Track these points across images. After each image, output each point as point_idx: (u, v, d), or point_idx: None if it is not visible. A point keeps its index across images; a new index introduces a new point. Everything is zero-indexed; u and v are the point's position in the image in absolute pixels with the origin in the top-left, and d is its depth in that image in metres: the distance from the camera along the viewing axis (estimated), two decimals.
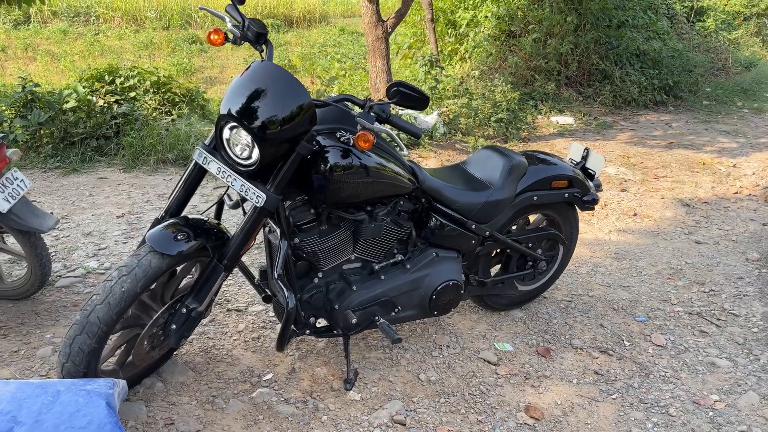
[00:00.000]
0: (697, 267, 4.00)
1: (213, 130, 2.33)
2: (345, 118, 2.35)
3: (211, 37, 2.31)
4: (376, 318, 2.57)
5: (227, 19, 2.37)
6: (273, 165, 2.21)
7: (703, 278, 3.83)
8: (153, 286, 2.27)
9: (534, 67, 8.58)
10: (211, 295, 2.33)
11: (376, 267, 2.64)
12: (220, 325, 3.02)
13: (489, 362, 2.88)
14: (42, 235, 3.04)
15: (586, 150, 3.25)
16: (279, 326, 2.97)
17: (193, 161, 2.35)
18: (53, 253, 3.66)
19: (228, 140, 2.20)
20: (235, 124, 2.14)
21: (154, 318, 2.26)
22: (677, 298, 3.58)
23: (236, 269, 2.67)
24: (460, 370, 2.81)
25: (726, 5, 13.14)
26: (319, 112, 2.28)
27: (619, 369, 2.89)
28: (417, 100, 2.17)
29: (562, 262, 3.30)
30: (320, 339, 2.90)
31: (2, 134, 2.84)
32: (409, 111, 6.11)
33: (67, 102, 5.46)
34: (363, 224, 2.49)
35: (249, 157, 2.17)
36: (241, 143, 2.17)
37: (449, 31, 9.80)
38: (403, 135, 5.68)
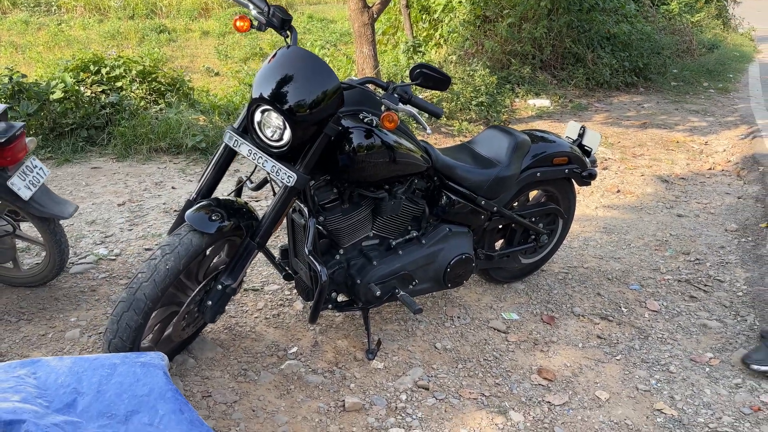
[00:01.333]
0: (681, 238, 4.23)
1: (242, 113, 2.43)
2: (367, 99, 2.47)
3: (237, 24, 2.39)
4: (396, 291, 2.70)
5: (251, 7, 2.45)
6: (300, 146, 2.32)
7: (687, 248, 4.06)
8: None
9: (510, 51, 8.76)
10: (244, 273, 2.44)
11: (393, 243, 2.77)
12: (240, 304, 3.12)
13: (499, 330, 3.05)
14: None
15: (583, 128, 3.42)
16: (296, 303, 3.13)
17: (223, 144, 2.44)
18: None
19: (259, 123, 2.30)
20: (267, 106, 2.24)
21: (192, 295, 2.36)
22: (666, 267, 3.79)
23: None
24: (472, 339, 2.97)
25: None
26: (344, 94, 2.39)
27: (619, 333, 3.08)
28: (439, 80, 2.28)
29: (561, 235, 3.48)
30: (340, 313, 3.03)
31: (22, 123, 2.88)
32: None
33: (54, 93, 5.43)
34: (383, 202, 2.62)
35: (280, 139, 2.28)
36: (273, 125, 2.27)
37: (423, 17, 9.91)
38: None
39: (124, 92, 5.88)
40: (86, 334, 2.83)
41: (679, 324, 3.18)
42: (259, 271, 3.44)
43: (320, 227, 2.53)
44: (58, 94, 5.43)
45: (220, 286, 2.37)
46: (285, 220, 2.68)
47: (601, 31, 9.35)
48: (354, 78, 2.55)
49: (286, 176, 2.29)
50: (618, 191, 5.13)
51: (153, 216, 4.17)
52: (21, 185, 2.81)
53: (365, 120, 2.41)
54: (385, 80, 2.49)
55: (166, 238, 2.27)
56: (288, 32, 2.43)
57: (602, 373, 2.78)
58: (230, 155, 2.48)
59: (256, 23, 2.43)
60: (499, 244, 3.37)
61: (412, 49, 7.47)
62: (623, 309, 3.30)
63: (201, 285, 2.39)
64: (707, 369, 2.81)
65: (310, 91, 2.22)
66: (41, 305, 3.05)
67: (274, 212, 2.37)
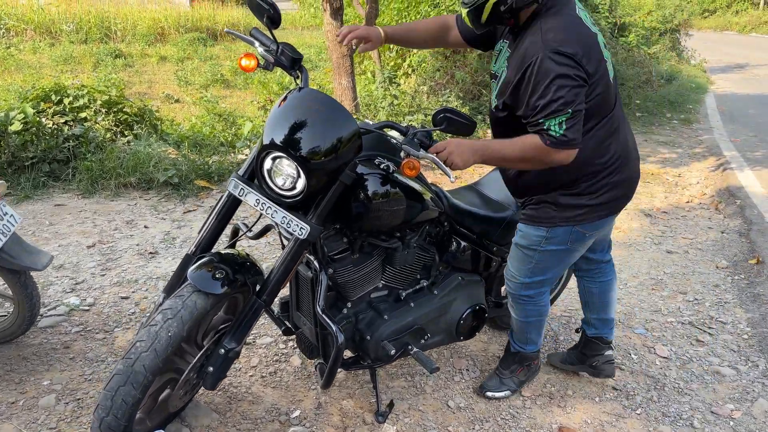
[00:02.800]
0: (675, 276, 4.16)
1: (248, 159, 2.23)
2: (382, 144, 2.30)
3: (243, 63, 2.19)
4: (410, 347, 2.51)
5: (257, 44, 2.26)
6: (313, 196, 2.13)
7: (684, 288, 3.99)
8: None
9: (480, 82, 8.75)
10: (249, 333, 2.21)
11: (403, 294, 2.59)
12: None
13: None
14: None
15: None
16: (293, 357, 2.91)
17: (227, 192, 2.23)
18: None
19: (269, 171, 2.10)
20: (279, 154, 2.05)
21: (193, 363, 2.12)
22: (666, 309, 3.70)
23: None
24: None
25: (644, 21, 13.87)
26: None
27: (634, 383, 2.95)
28: (464, 126, 2.10)
29: (566, 278, 3.35)
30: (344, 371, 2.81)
31: None
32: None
33: (12, 124, 5.09)
34: (396, 251, 2.44)
35: (293, 188, 2.08)
36: (285, 173, 2.07)
37: (391, 46, 9.85)
38: None
39: (88, 123, 5.56)
40: (63, 401, 2.54)
41: (692, 372, 3.07)
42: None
43: (330, 280, 2.33)
44: (16, 126, 5.09)
45: (222, 350, 2.13)
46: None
47: None
48: (369, 121, 2.38)
49: (299, 228, 2.08)
50: None
51: (126, 259, 3.88)
52: None
53: (381, 166, 2.24)
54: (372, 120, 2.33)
55: (167, 302, 2.02)
56: (299, 72, 2.24)
57: (624, 429, 2.63)
58: (234, 205, 2.27)
59: (263, 62, 2.24)
60: (504, 289, 3.22)
61: (389, 81, 7.35)
62: (633, 356, 3.18)
63: (202, 351, 2.15)
64: (731, 423, 2.69)
65: (326, 137, 2.03)
66: (8, 366, 2.74)
67: (284, 267, 2.16)
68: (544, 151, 2.04)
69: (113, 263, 3.82)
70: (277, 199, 2.11)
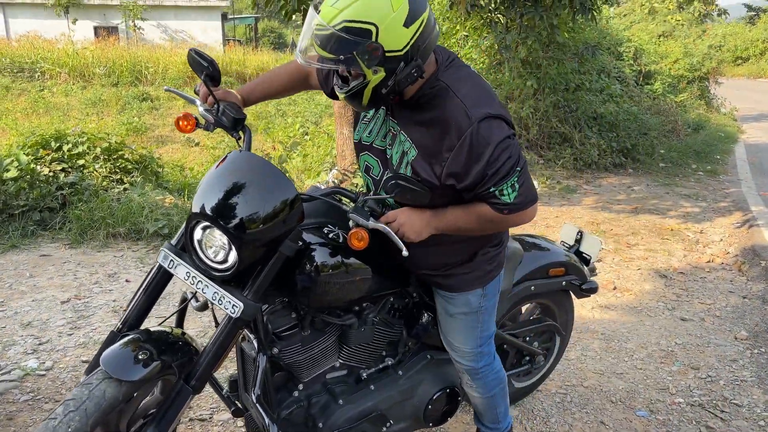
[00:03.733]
0: (687, 348, 3.82)
1: (181, 229, 2.02)
2: (332, 211, 2.08)
3: (180, 123, 2.02)
4: None
5: (198, 102, 2.09)
6: (250, 268, 1.91)
7: (696, 362, 3.64)
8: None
9: None
10: (177, 421, 1.97)
11: (364, 375, 2.32)
12: None
13: None
14: None
15: (580, 232, 3.05)
16: None
17: (157, 264, 2.02)
18: None
19: (200, 241, 1.89)
20: (208, 223, 1.84)
21: None
22: (675, 387, 3.36)
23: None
24: None
25: (671, 69, 13.63)
26: (306, 206, 2.00)
27: None
28: (418, 194, 1.84)
29: (558, 353, 3.06)
30: None
31: None
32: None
33: (7, 171, 5.03)
34: (351, 329, 2.19)
35: (224, 261, 1.86)
36: (216, 245, 1.86)
37: None
38: None
39: (86, 170, 5.48)
40: None
41: None
42: (210, 394, 2.96)
43: (276, 359, 2.09)
44: (11, 173, 5.03)
45: None
46: (236, 348, 2.24)
47: (588, 111, 9.23)
48: (320, 185, 2.17)
49: (231, 306, 1.85)
50: (614, 288, 4.74)
51: (99, 317, 3.70)
52: None
53: (330, 235, 2.02)
54: (355, 189, 2.15)
55: (73, 391, 1.80)
56: (240, 133, 2.05)
57: None
58: (165, 278, 2.04)
59: (203, 122, 2.07)
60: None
61: None
62: None
63: None
64: None
65: (262, 205, 1.81)
66: None
67: (215, 349, 1.91)
68: (502, 219, 1.90)
69: (84, 321, 3.64)
70: (209, 273, 1.90)
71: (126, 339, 1.89)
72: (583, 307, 4.36)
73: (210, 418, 2.80)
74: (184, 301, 2.25)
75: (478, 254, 2.14)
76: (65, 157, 5.54)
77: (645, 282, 4.88)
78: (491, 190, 1.81)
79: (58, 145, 5.59)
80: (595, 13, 8.10)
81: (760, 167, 9.85)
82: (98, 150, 5.71)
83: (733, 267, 5.36)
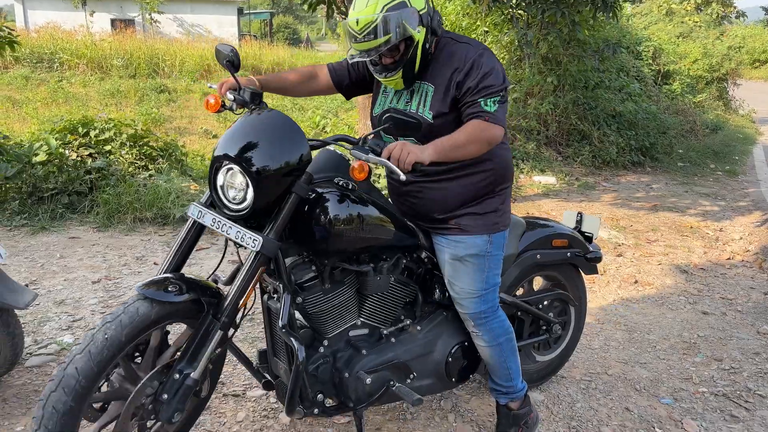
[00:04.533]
0: (710, 341, 3.84)
1: (207, 191, 2.16)
2: (342, 165, 2.25)
3: (209, 102, 2.24)
4: (391, 383, 2.34)
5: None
6: (269, 212, 2.07)
7: (719, 354, 3.67)
8: (142, 355, 2.08)
9: (514, 126, 8.58)
10: (207, 360, 2.04)
11: (385, 332, 2.43)
12: (217, 414, 2.69)
13: None
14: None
15: (580, 214, 3.15)
16: (283, 414, 2.70)
17: (191, 220, 2.17)
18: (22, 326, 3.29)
19: (222, 186, 2.07)
20: (228, 163, 2.02)
21: (141, 383, 1.96)
22: (698, 377, 3.39)
23: (230, 354, 2.40)
24: None
25: (690, 69, 13.57)
26: (318, 161, 2.20)
27: None
28: (410, 123, 2.04)
29: (575, 327, 3.11)
30: (330, 419, 2.61)
31: None
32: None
33: (37, 155, 5.12)
34: (367, 277, 2.30)
35: (244, 200, 2.03)
36: (236, 186, 2.04)
37: None
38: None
39: (112, 156, 5.57)
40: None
41: None
42: (242, 371, 3.02)
43: (301, 310, 2.21)
44: (41, 157, 5.12)
45: (177, 375, 1.99)
46: (263, 313, 2.36)
47: (607, 109, 9.23)
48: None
49: (252, 240, 1.99)
50: (636, 282, 4.76)
51: (129, 297, 3.76)
52: None
53: (340, 183, 2.19)
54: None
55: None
56: (256, 105, 2.22)
57: None
58: (198, 230, 2.20)
59: (228, 104, 2.26)
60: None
61: None
62: (657, 429, 2.88)
63: (153, 371, 1.99)
64: None
65: (271, 144, 2.03)
66: None
67: (242, 285, 2.04)
68: (485, 127, 2.15)
69: (115, 300, 3.71)
70: (233, 217, 2.06)
71: (162, 276, 2.01)
72: (604, 299, 4.39)
73: (243, 393, 2.86)
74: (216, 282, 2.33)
75: (486, 198, 2.40)
76: (92, 142, 5.62)
77: (666, 276, 4.90)
78: (479, 100, 2.15)
79: (85, 130, 5.67)
80: (617, 11, 8.10)
81: None
82: (124, 136, 5.79)
83: (753, 264, 5.36)
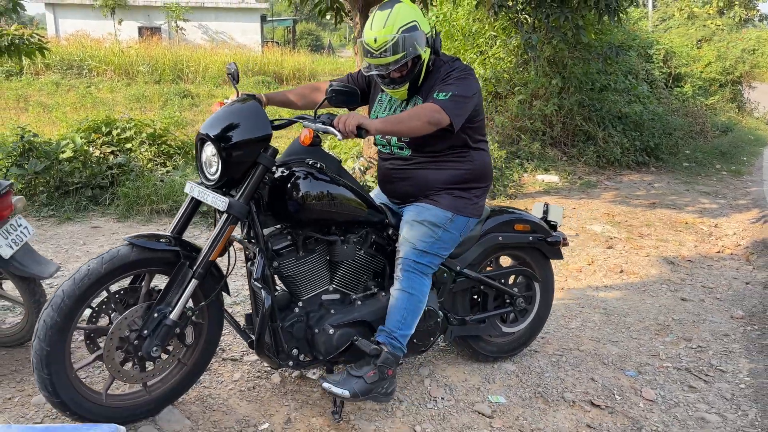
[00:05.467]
0: (683, 323, 4.08)
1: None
2: (312, 150, 2.61)
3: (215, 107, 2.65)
4: (355, 338, 2.67)
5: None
6: (239, 182, 2.46)
7: (690, 334, 3.91)
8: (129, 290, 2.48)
9: (520, 127, 8.84)
10: (183, 304, 2.42)
11: (354, 297, 2.79)
12: (216, 374, 3.03)
13: (483, 414, 2.90)
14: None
15: (546, 205, 3.44)
16: (275, 375, 3.03)
17: (188, 196, 2.57)
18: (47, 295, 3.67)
19: (204, 162, 2.47)
20: (204, 138, 2.42)
21: (122, 315, 2.38)
22: (665, 354, 3.64)
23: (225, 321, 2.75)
24: (455, 423, 2.83)
25: (702, 72, 13.68)
26: (294, 146, 2.62)
27: (611, 423, 2.92)
28: (349, 94, 2.43)
29: (542, 303, 3.39)
30: (314, 386, 2.92)
31: (10, 182, 2.90)
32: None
33: (63, 152, 5.53)
34: (336, 246, 2.66)
35: (217, 171, 2.42)
36: (209, 157, 2.44)
37: None
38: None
39: (132, 153, 5.98)
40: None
41: (675, 416, 3.01)
42: (240, 340, 3.35)
43: (277, 273, 2.58)
44: (67, 154, 5.53)
45: (156, 314, 2.39)
46: (249, 288, 2.73)
47: (613, 110, 9.44)
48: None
49: (220, 201, 2.39)
50: (621, 271, 5.01)
51: None
52: (2, 243, 2.80)
53: (310, 164, 2.57)
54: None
55: None
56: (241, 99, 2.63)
57: None
58: (195, 205, 2.59)
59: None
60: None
61: None
62: (617, 396, 3.15)
63: (134, 307, 2.40)
64: None
65: (238, 123, 2.42)
66: (14, 367, 2.99)
67: (211, 240, 2.44)
68: (429, 108, 2.49)
69: None
70: (212, 187, 2.46)
71: (152, 232, 2.48)
72: (589, 287, 4.65)
73: (240, 358, 3.19)
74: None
75: (463, 187, 2.77)
76: (114, 141, 6.04)
77: (652, 267, 5.14)
78: (434, 93, 2.55)
79: (108, 130, 6.09)
80: (621, 15, 8.32)
81: None
82: (144, 135, 6.20)
83: (741, 257, 5.56)
